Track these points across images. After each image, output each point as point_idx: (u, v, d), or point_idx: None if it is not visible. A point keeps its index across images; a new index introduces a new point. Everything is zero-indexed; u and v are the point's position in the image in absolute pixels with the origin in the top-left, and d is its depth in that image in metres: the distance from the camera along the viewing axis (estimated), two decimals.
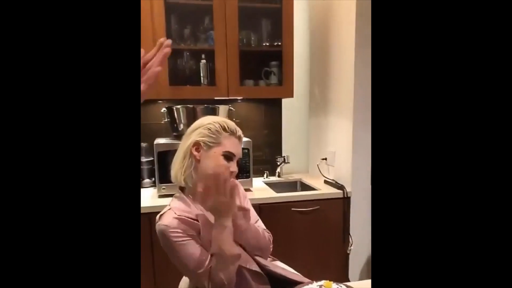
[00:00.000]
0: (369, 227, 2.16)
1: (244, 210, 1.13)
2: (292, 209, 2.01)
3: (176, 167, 1.13)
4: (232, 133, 1.12)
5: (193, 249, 1.04)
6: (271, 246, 1.23)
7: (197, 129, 1.12)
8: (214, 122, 1.11)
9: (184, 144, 1.12)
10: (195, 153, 1.09)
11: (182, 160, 1.11)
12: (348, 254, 2.15)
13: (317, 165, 2.39)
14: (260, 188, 2.21)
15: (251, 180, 2.12)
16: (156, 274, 1.87)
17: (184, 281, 1.26)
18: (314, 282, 0.95)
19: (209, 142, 1.09)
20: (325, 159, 2.36)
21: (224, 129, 1.11)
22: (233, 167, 1.11)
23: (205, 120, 1.14)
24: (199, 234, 1.07)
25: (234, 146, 1.12)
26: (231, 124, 1.13)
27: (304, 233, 2.07)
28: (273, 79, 2.30)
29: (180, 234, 1.03)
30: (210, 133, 1.10)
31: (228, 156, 1.10)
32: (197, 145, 1.10)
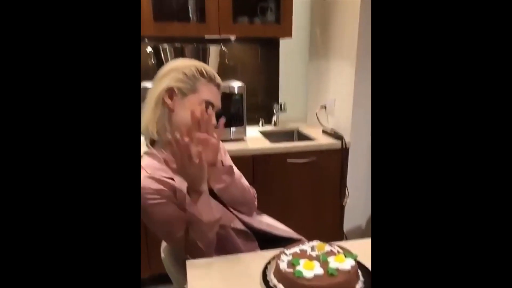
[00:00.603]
0: (368, 180, 2.21)
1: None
2: (288, 160, 2.04)
3: (147, 117, 1.04)
4: (211, 79, 1.06)
5: (169, 211, 1.00)
6: (256, 202, 1.23)
7: (170, 72, 1.04)
8: (190, 65, 1.04)
9: (156, 90, 1.04)
10: (167, 101, 1.02)
11: (153, 109, 1.03)
12: (344, 206, 2.23)
13: (316, 113, 2.39)
14: (254, 138, 2.21)
15: (245, 129, 2.12)
16: (147, 232, 1.93)
17: (165, 244, 1.26)
18: (306, 242, 0.92)
19: (184, 88, 1.03)
20: (325, 107, 2.35)
21: (201, 74, 1.04)
22: (212, 119, 1.03)
23: (180, 63, 1.06)
24: (175, 194, 1.01)
25: (213, 94, 1.06)
26: (209, 69, 1.06)
27: (300, 186, 2.11)
28: (270, 16, 2.21)
29: (155, 196, 0.98)
30: (186, 78, 1.02)
31: (206, 107, 1.04)
32: (170, 91, 1.02)
